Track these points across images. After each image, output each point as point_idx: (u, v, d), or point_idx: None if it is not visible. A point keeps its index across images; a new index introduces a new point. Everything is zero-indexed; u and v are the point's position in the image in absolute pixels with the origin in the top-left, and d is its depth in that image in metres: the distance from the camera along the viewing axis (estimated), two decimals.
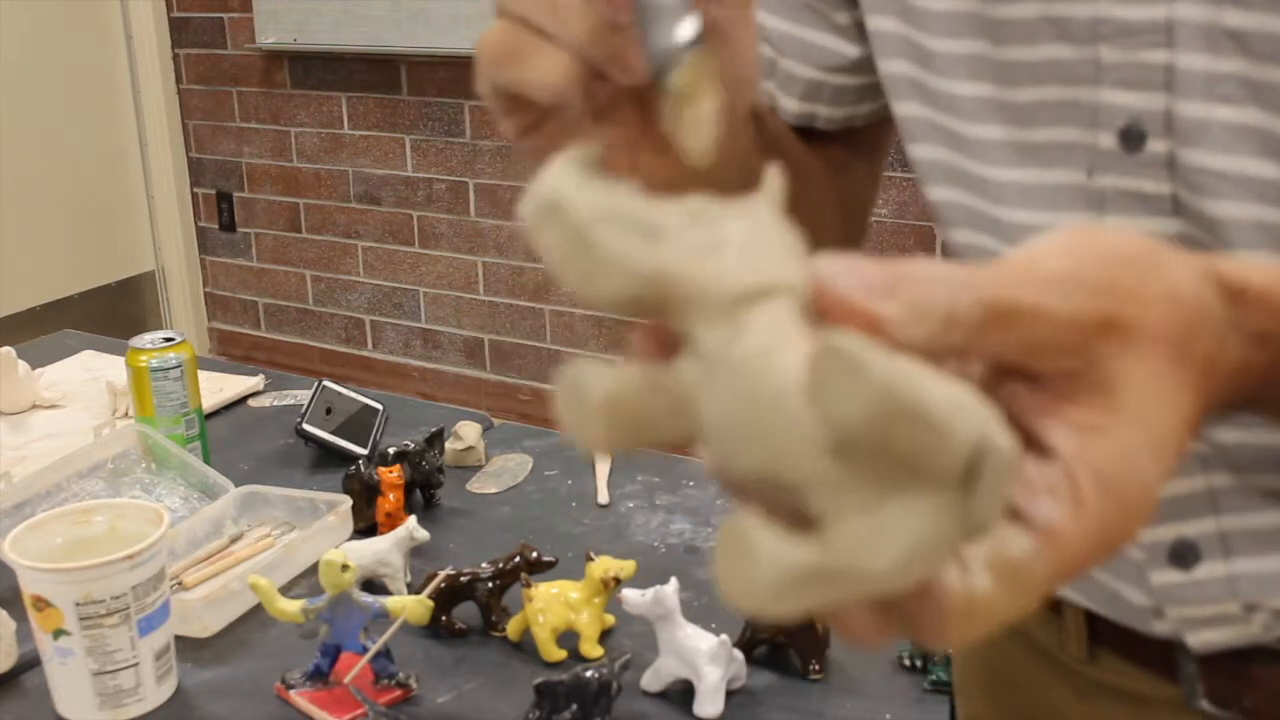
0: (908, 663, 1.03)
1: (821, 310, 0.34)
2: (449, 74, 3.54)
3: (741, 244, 0.35)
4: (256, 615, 1.12)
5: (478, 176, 3.61)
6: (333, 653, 1.01)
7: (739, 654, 1.01)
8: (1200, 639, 0.62)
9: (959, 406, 0.30)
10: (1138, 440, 0.35)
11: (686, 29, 0.44)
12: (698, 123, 0.43)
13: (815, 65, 0.73)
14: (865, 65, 0.71)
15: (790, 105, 0.74)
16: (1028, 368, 0.36)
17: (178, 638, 1.05)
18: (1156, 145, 0.55)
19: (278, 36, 3.73)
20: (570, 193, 0.35)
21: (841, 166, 0.76)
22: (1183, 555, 0.60)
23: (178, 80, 4.05)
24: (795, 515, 0.32)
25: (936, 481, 0.31)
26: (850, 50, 0.71)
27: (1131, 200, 0.56)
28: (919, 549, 0.31)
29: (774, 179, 0.37)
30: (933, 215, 0.67)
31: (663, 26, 0.44)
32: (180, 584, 1.16)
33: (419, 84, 3.61)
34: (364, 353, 3.95)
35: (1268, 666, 0.61)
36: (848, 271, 0.34)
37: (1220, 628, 0.61)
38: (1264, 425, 0.54)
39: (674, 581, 1.00)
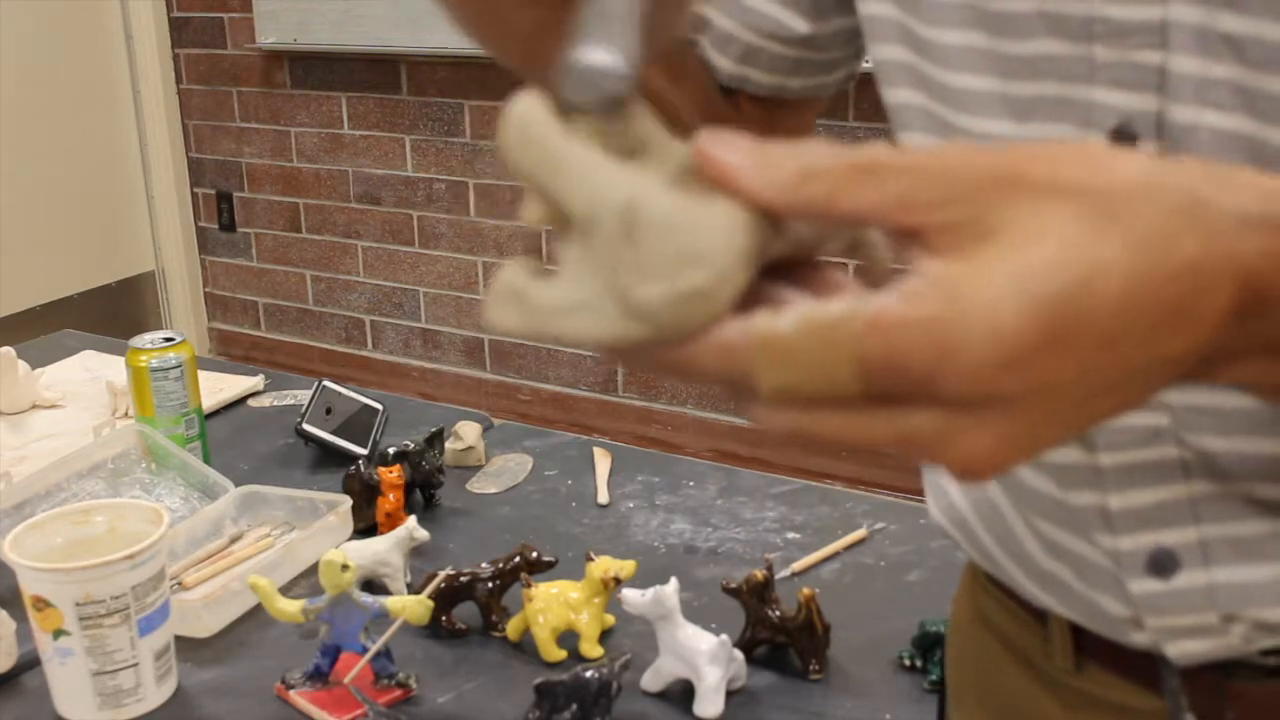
0: (908, 663, 1.03)
1: (700, 171, 0.39)
2: (449, 74, 3.54)
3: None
4: (256, 615, 1.12)
5: (478, 176, 3.61)
6: (333, 653, 1.01)
7: (739, 654, 1.01)
8: (1180, 650, 0.61)
9: (593, 177, 0.38)
10: (998, 266, 0.37)
11: (613, 76, 0.41)
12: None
13: (756, 31, 0.72)
14: (811, 42, 0.70)
15: (723, 65, 0.74)
16: (916, 224, 0.38)
17: (178, 638, 1.05)
18: (1148, 147, 0.54)
19: (278, 36, 3.73)
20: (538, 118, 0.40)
21: (762, 129, 0.76)
22: (1162, 564, 0.60)
23: (178, 80, 4.05)
24: None
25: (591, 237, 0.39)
26: (798, 25, 0.71)
27: None
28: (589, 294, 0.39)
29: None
30: None
31: (598, 44, 0.42)
32: (180, 584, 1.16)
33: (419, 84, 3.61)
34: (364, 353, 3.95)
35: (1249, 681, 0.60)
36: (720, 140, 0.39)
37: (1199, 638, 0.60)
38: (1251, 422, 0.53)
39: (674, 581, 1.00)
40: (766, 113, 0.76)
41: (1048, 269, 0.37)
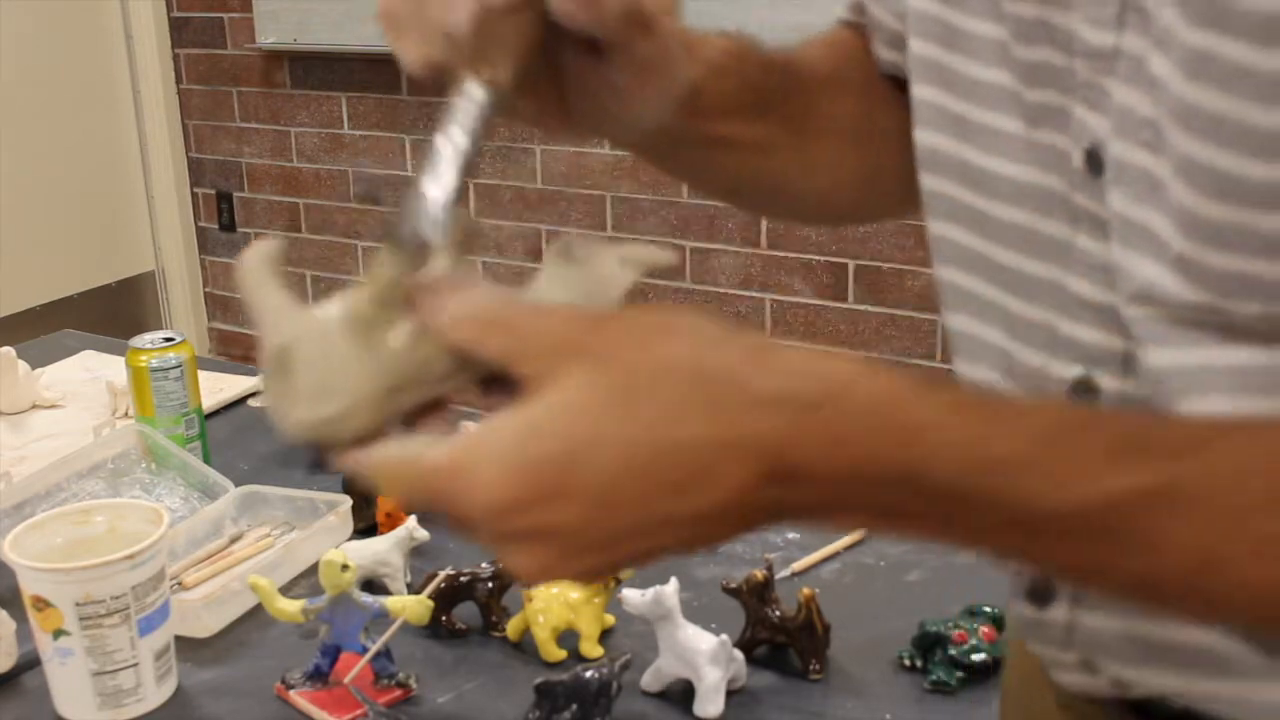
0: (908, 663, 1.03)
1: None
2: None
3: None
4: (256, 615, 1.12)
5: (478, 176, 3.61)
6: (333, 653, 1.01)
7: (739, 654, 1.01)
8: (1062, 679, 0.61)
9: (278, 320, 0.51)
10: (516, 424, 0.46)
11: (429, 225, 0.53)
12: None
13: (899, 18, 0.71)
14: None
15: (881, 53, 0.74)
16: (516, 373, 0.47)
17: (178, 638, 1.05)
18: (1111, 172, 0.54)
19: (278, 36, 3.73)
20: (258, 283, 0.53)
21: None
22: (1039, 593, 0.60)
23: (178, 80, 4.05)
24: None
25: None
26: None
27: (1095, 222, 0.55)
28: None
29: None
30: (924, 204, 0.66)
31: (423, 197, 0.54)
32: (180, 584, 1.16)
33: (419, 84, 3.57)
34: None
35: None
36: (430, 287, 0.50)
37: (1072, 673, 0.61)
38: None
39: (674, 581, 1.00)
40: None
41: (550, 433, 0.45)
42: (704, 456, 0.45)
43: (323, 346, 0.50)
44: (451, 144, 0.55)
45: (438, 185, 0.53)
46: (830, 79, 0.74)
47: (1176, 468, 0.45)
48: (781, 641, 1.03)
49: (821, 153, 0.73)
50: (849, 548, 1.23)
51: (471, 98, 0.56)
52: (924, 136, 0.65)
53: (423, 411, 0.51)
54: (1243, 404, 0.50)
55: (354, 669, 0.99)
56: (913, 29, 0.65)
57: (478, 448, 0.46)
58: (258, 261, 0.52)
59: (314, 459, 0.46)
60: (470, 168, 0.55)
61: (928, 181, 0.65)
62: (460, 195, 0.54)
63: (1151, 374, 0.53)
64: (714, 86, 0.66)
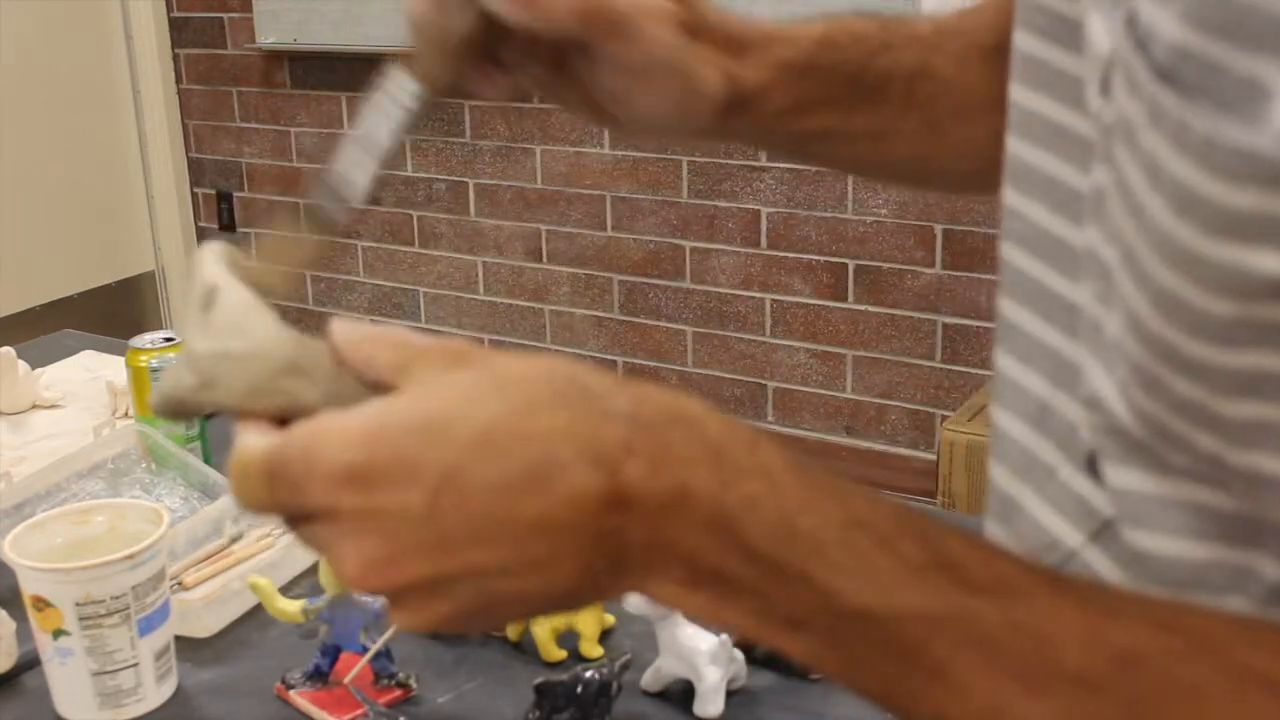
0: None
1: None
2: None
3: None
4: (256, 615, 1.12)
5: (478, 176, 3.61)
6: (333, 653, 1.01)
7: (739, 654, 1.01)
8: None
9: (217, 276, 0.53)
10: (382, 403, 0.46)
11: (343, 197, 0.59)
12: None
13: None
14: None
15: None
16: (405, 379, 0.48)
17: (178, 638, 1.05)
18: (1083, 262, 0.50)
19: (278, 36, 3.73)
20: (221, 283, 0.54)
21: None
22: None
23: (178, 80, 4.05)
24: None
25: None
26: None
27: None
28: None
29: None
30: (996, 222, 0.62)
31: (339, 169, 0.58)
32: (180, 584, 1.16)
33: None
34: None
35: None
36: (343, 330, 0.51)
37: None
38: None
39: None
40: None
41: (408, 407, 0.45)
42: (551, 448, 0.44)
43: (248, 302, 0.52)
44: (374, 131, 0.58)
45: (355, 167, 0.58)
46: (995, 47, 0.66)
47: (979, 605, 0.43)
48: None
49: (970, 134, 0.69)
50: None
51: (403, 88, 0.58)
52: (1014, 144, 0.57)
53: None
54: (1185, 547, 0.46)
55: (354, 669, 0.99)
56: (1020, 19, 0.58)
57: (337, 419, 0.45)
58: (215, 253, 0.55)
59: None
60: (388, 156, 0.58)
61: (1009, 197, 0.58)
62: (376, 182, 0.57)
63: (1110, 490, 0.49)
64: (791, 86, 0.64)
